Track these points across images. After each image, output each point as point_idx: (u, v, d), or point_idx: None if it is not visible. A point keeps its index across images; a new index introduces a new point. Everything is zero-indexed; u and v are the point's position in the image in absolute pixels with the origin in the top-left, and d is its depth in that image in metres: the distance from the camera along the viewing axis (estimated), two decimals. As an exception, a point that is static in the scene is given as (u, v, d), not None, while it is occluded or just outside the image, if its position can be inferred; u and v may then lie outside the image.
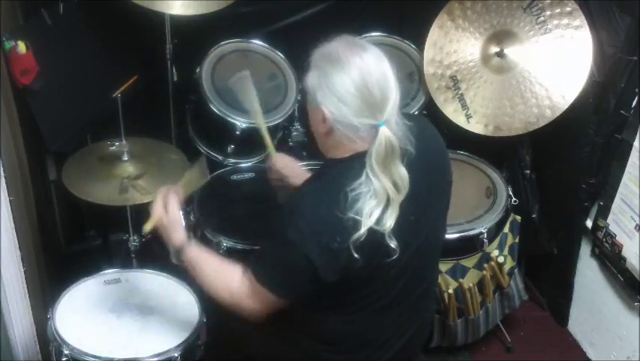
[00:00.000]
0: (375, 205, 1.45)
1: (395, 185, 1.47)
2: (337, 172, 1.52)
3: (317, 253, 1.46)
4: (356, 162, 1.49)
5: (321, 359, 1.70)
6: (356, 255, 1.45)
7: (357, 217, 1.44)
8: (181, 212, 1.72)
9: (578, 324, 2.81)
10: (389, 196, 1.46)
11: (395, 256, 1.51)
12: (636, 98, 2.31)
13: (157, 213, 1.69)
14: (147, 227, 1.73)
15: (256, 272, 1.57)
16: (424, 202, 1.59)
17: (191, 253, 1.67)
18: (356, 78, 1.45)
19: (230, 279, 1.63)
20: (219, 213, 2.34)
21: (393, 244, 1.49)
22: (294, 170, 1.98)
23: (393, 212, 1.48)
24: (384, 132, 1.45)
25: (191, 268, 1.68)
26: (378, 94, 1.45)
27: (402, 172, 1.48)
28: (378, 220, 1.46)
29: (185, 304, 2.01)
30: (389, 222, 1.47)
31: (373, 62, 1.48)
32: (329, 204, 1.46)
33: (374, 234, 1.46)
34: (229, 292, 1.62)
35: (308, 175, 1.95)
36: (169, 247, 1.70)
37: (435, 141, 1.70)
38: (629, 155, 2.32)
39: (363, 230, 1.44)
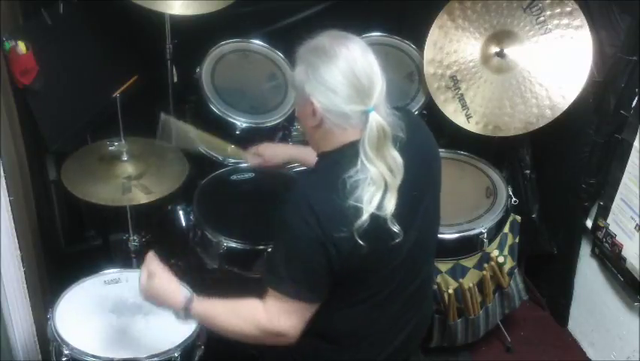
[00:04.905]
0: (375, 191, 1.46)
1: (390, 169, 1.48)
2: (332, 162, 1.53)
3: (325, 241, 1.45)
4: (349, 151, 1.50)
5: (322, 358, 1.70)
6: (361, 242, 1.45)
7: (358, 204, 1.45)
8: (169, 275, 1.64)
9: (578, 324, 2.82)
10: (386, 181, 1.47)
11: (399, 239, 1.50)
12: (636, 98, 2.31)
13: (143, 285, 1.62)
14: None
15: (277, 287, 1.52)
16: (419, 189, 1.60)
17: (198, 309, 1.60)
18: (343, 66, 1.47)
19: (252, 312, 1.56)
20: (219, 213, 2.33)
21: (395, 228, 1.50)
22: (269, 157, 2.13)
23: (392, 196, 1.48)
24: (375, 117, 1.46)
25: (204, 321, 1.64)
26: (365, 80, 1.47)
27: (395, 156, 1.49)
28: (379, 205, 1.47)
29: (185, 304, 2.00)
30: (389, 206, 1.48)
31: (359, 51, 1.50)
32: (329, 193, 1.46)
33: (376, 219, 1.47)
34: (256, 325, 1.55)
35: (280, 148, 2.19)
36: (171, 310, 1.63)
37: (423, 132, 1.72)
38: (629, 155, 2.32)
39: (365, 216, 1.44)
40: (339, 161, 1.50)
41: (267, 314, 1.55)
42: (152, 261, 1.66)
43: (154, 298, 1.64)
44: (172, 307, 1.62)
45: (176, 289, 1.63)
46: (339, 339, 1.68)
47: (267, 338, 1.57)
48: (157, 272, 1.63)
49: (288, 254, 1.52)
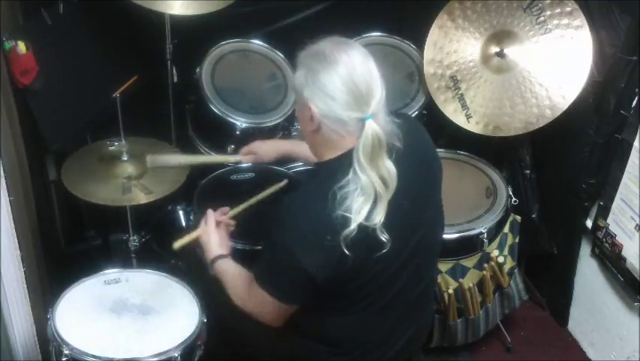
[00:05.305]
0: (364, 202, 1.47)
1: (383, 180, 1.48)
2: (328, 173, 1.53)
3: (307, 252, 1.47)
4: (345, 160, 1.51)
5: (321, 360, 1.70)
6: (347, 252, 1.46)
7: (347, 214, 1.45)
8: (217, 232, 1.85)
9: (578, 324, 2.82)
10: (377, 192, 1.47)
11: (386, 249, 1.51)
12: (636, 98, 2.31)
13: (197, 231, 1.84)
14: (177, 244, 1.86)
15: (257, 277, 1.62)
16: (418, 197, 1.60)
17: (216, 267, 1.78)
18: (343, 73, 1.47)
19: (242, 287, 1.69)
20: (219, 213, 2.33)
21: (384, 237, 1.50)
22: (262, 153, 2.22)
23: (382, 208, 1.49)
24: (371, 125, 1.46)
25: (219, 277, 1.78)
26: (364, 88, 1.48)
27: (389, 167, 1.49)
28: (368, 216, 1.47)
29: (185, 304, 2.01)
30: (378, 217, 1.48)
31: (359, 58, 1.51)
32: (318, 204, 1.48)
33: (365, 229, 1.47)
34: (242, 299, 1.69)
35: (270, 145, 2.23)
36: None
37: (423, 137, 1.72)
38: (629, 155, 2.32)
39: (353, 226, 1.45)
40: (333, 171, 1.51)
41: (248, 295, 1.66)
42: (210, 218, 1.87)
43: (201, 245, 1.86)
44: (206, 255, 1.83)
45: (214, 243, 1.82)
46: (339, 343, 1.69)
47: (250, 314, 1.68)
48: (207, 229, 1.84)
49: (271, 259, 1.58)
